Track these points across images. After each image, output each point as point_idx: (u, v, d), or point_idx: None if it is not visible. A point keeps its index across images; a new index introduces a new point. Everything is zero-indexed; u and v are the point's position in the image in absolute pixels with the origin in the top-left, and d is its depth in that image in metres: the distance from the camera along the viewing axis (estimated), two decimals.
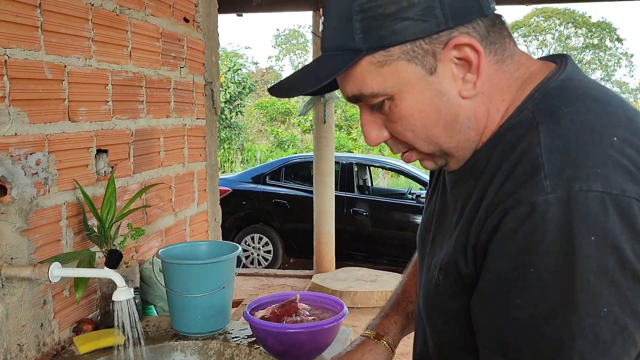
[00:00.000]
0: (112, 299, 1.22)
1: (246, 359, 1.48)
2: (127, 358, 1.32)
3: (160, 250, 1.58)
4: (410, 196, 6.74)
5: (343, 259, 6.02)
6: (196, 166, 2.34)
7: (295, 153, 12.97)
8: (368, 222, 6.50)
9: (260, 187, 6.88)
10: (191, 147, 2.29)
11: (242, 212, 6.81)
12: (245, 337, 1.55)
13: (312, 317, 1.40)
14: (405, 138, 0.75)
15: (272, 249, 6.74)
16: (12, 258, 1.30)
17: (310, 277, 5.46)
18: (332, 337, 1.38)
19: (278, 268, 6.57)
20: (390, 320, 1.08)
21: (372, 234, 6.47)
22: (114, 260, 1.22)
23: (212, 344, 1.52)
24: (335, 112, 5.08)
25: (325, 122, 5.32)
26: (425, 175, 6.93)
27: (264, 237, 6.76)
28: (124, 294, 1.23)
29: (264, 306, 1.48)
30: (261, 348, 1.46)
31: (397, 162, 7.63)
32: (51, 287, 1.45)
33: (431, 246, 0.86)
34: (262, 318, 1.39)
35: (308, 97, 5.37)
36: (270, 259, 6.70)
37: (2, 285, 1.28)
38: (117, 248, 1.65)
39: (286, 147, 17.59)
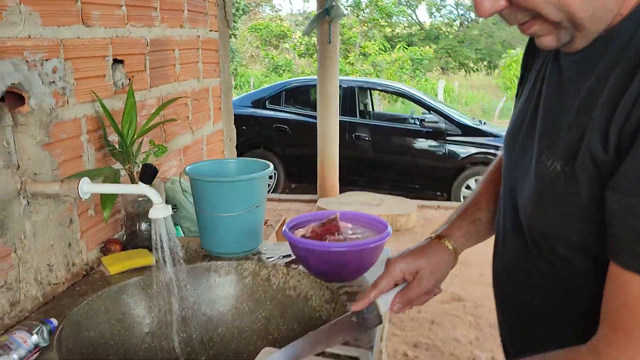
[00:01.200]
0: (149, 217, 1.14)
1: (283, 279, 1.42)
2: (164, 278, 1.25)
3: (187, 167, 1.49)
4: (412, 121, 6.63)
5: (345, 184, 5.97)
6: (211, 82, 2.21)
7: (291, 78, 12.67)
8: (370, 147, 6.41)
9: (260, 112, 6.72)
10: (205, 62, 2.15)
11: (242, 137, 6.66)
12: (281, 257, 1.48)
13: (356, 236, 1.33)
14: (531, 2, 0.64)
15: (273, 174, 6.68)
16: (35, 174, 1.20)
17: (314, 201, 5.43)
18: (377, 256, 1.31)
19: (280, 193, 6.52)
20: (455, 225, 1.01)
21: (375, 159, 6.40)
22: (149, 175, 1.12)
23: (247, 264, 1.46)
24: None
25: (330, 42, 5.10)
26: (428, 99, 6.79)
27: None
28: (161, 211, 1.14)
29: (303, 225, 1.40)
30: (300, 268, 1.40)
31: (401, 85, 7.46)
32: (76, 206, 1.36)
33: (539, 141, 0.76)
34: (303, 237, 1.32)
35: (313, 16, 5.13)
36: (271, 184, 6.64)
37: (28, 202, 1.18)
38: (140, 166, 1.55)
39: (281, 72, 17.19)
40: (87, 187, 1.14)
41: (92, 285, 1.32)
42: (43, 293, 1.24)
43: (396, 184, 6.38)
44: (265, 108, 6.70)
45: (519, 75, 0.92)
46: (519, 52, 12.59)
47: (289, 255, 1.48)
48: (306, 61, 17.93)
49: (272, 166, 1.51)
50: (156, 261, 1.20)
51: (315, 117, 6.25)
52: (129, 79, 1.59)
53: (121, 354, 1.30)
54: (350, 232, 1.34)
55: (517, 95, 0.90)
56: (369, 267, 1.32)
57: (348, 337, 0.98)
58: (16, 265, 1.16)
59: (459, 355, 2.86)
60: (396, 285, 0.98)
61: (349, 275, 1.31)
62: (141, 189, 1.13)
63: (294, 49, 17.89)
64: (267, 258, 1.48)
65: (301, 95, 7.05)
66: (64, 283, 1.32)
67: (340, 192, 5.66)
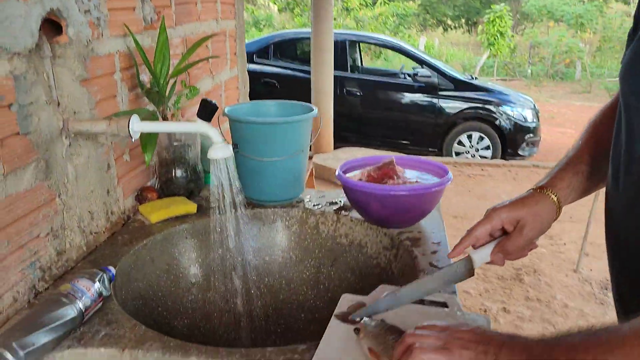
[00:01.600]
0: (209, 157, 1.05)
1: (333, 227, 1.35)
2: (218, 224, 1.17)
3: (227, 109, 1.39)
4: (402, 76, 6.53)
5: (336, 140, 5.88)
6: (228, 24, 2.08)
7: (272, 32, 12.32)
8: (362, 103, 6.31)
9: (247, 66, 6.51)
10: (223, 2, 2.01)
11: None
12: (327, 204, 1.41)
13: (415, 180, 1.26)
14: None
15: None
16: (74, 112, 1.10)
17: (310, 158, 5.34)
18: (437, 201, 1.25)
19: None
20: (557, 177, 0.95)
21: (366, 115, 6.31)
22: (208, 110, 1.02)
23: (293, 212, 1.38)
24: None
25: None
26: (421, 53, 6.68)
27: None
28: (222, 151, 1.05)
29: (356, 169, 1.32)
30: (351, 215, 1.33)
31: (393, 39, 7.32)
32: (113, 150, 1.25)
33: None
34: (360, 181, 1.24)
35: None
36: None
37: (70, 144, 1.08)
38: (172, 108, 1.45)
39: (262, 26, 16.76)
40: (138, 126, 1.04)
41: (134, 235, 1.24)
42: (86, 242, 1.15)
43: (387, 140, 6.32)
44: (252, 62, 6.51)
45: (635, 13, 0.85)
46: (502, 8, 12.46)
47: (335, 203, 1.41)
48: (286, 16, 17.50)
49: (316, 109, 1.42)
50: (211, 207, 1.12)
51: (304, 71, 6.11)
52: (157, 14, 1.46)
53: (169, 305, 1.23)
54: (408, 177, 1.27)
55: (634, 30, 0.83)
56: (428, 213, 1.26)
57: (441, 287, 0.92)
58: (61, 212, 1.07)
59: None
60: (492, 237, 0.93)
61: (408, 221, 1.25)
62: (199, 126, 1.04)
63: (274, 3, 17.42)
64: (314, 206, 1.40)
65: (290, 48, 6.87)
66: (104, 232, 1.23)
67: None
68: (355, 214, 1.33)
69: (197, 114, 1.03)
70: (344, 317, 0.91)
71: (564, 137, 7.55)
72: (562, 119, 8.94)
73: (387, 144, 6.24)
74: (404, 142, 6.27)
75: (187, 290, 1.29)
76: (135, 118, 1.04)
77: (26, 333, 0.78)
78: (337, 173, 1.26)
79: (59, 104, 1.05)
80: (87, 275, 0.92)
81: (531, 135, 5.96)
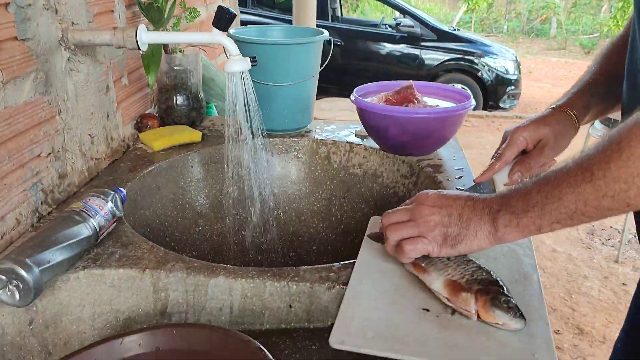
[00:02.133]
0: (225, 71, 0.96)
1: (346, 156, 1.29)
2: (231, 150, 1.09)
3: (232, 30, 1.29)
4: (383, 26, 6.40)
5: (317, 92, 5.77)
6: None
7: None
8: (343, 54, 6.17)
9: None
10: None
11: None
12: (336, 133, 1.34)
13: (436, 105, 1.20)
14: None
15: None
16: (72, 23, 0.99)
17: None
18: (458, 127, 1.19)
19: None
20: (575, 97, 0.93)
21: (347, 66, 6.19)
22: (224, 20, 0.93)
23: (303, 141, 1.31)
24: None
25: None
26: (402, 2, 6.54)
27: None
28: (239, 64, 0.97)
29: (372, 94, 1.25)
30: (365, 143, 1.27)
31: None
32: (111, 71, 1.16)
33: None
34: None
35: None
36: None
37: (69, 57, 0.98)
38: (171, 30, 1.34)
39: None
40: (147, 36, 0.95)
41: (137, 162, 1.16)
42: (88, 167, 1.07)
43: None
44: None
45: None
46: None
47: (346, 134, 1.35)
48: None
49: (327, 32, 1.34)
50: (225, 131, 1.05)
51: (285, 20, 5.93)
52: None
53: (176, 236, 1.17)
54: (426, 102, 1.21)
55: None
56: (448, 139, 1.21)
57: None
58: (61, 131, 0.98)
59: None
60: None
61: (428, 148, 1.20)
62: (215, 37, 0.95)
63: None
64: (324, 136, 1.34)
65: None
66: (105, 159, 1.14)
67: None
68: (369, 142, 1.27)
69: (213, 23, 0.94)
70: (378, 237, 0.86)
71: (542, 92, 7.57)
72: (540, 74, 8.96)
73: None
74: None
75: (194, 221, 1.22)
76: (142, 28, 0.95)
77: (40, 250, 0.71)
78: (353, 97, 1.19)
79: (56, 11, 0.94)
80: (99, 195, 0.84)
81: (512, 87, 5.94)
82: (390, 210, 0.77)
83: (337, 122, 1.43)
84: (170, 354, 0.64)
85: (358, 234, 1.26)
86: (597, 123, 2.89)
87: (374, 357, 0.69)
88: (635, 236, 2.92)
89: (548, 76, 8.82)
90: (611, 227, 3.13)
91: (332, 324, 0.76)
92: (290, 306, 0.77)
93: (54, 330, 0.76)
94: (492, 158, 0.92)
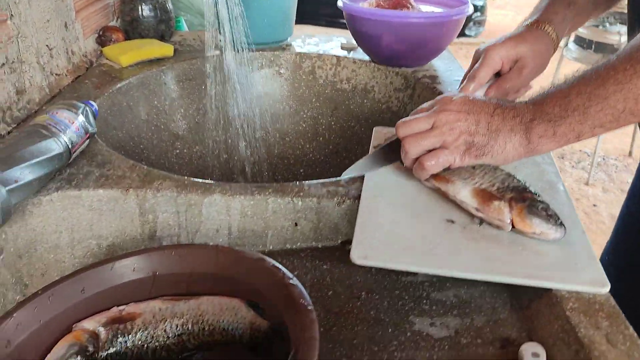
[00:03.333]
0: None
1: (332, 71, 1.19)
2: (214, 65, 0.98)
3: None
4: None
5: None
6: None
7: None
8: None
9: None
10: None
11: None
12: (320, 47, 1.24)
13: (431, 11, 1.10)
14: None
15: None
16: None
17: None
18: (454, 34, 1.11)
19: None
20: (549, 11, 0.82)
21: None
22: None
23: (285, 55, 1.20)
24: None
25: None
26: None
27: None
28: None
29: (360, 0, 1.14)
30: (352, 56, 1.17)
31: None
32: None
33: None
34: None
35: None
36: None
37: None
38: None
39: None
40: None
41: (103, 79, 1.03)
42: (48, 83, 0.94)
43: (332, 19, 6.01)
44: None
45: None
46: None
47: (331, 47, 1.24)
48: None
49: None
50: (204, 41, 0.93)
51: None
52: None
53: (152, 160, 1.07)
54: (421, 9, 1.11)
55: None
56: (444, 48, 1.12)
57: None
58: (15, 39, 0.84)
59: None
60: None
61: (422, 58, 1.11)
62: None
63: None
64: (307, 49, 1.23)
65: None
66: (66, 75, 1.01)
67: None
68: (358, 55, 1.18)
69: None
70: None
71: (506, 19, 7.48)
72: (503, 2, 8.84)
73: (332, 24, 5.94)
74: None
75: (171, 144, 1.11)
76: None
77: (4, 167, 0.60)
78: (341, 3, 1.08)
79: None
80: (67, 107, 0.73)
81: (478, 14, 5.83)
82: (406, 119, 0.68)
83: (321, 34, 1.32)
84: (169, 279, 0.56)
85: (348, 154, 1.19)
86: (571, 44, 2.84)
87: (390, 275, 0.63)
88: (604, 159, 2.95)
89: (511, 4, 8.72)
90: (580, 150, 3.16)
91: (343, 242, 0.70)
92: (296, 224, 0.70)
93: (28, 260, 0.66)
94: (463, 80, 0.82)
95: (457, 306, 0.59)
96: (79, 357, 0.50)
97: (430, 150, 0.65)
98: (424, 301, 0.60)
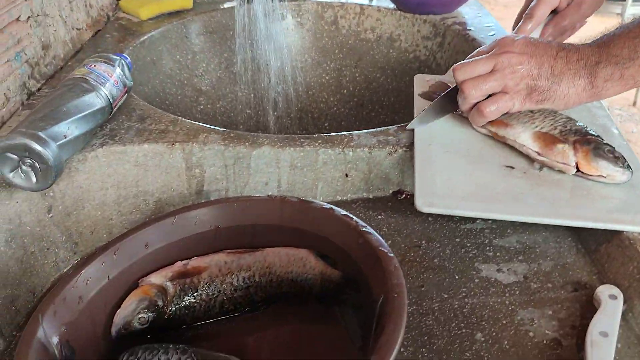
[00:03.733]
0: None
1: (356, 20, 1.16)
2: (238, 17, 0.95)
3: None
4: None
5: None
6: None
7: None
8: None
9: None
10: None
11: None
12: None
13: None
14: None
15: None
16: None
17: None
18: None
19: None
20: None
21: None
22: None
23: (306, 5, 1.17)
24: None
25: None
26: None
27: None
28: None
29: None
30: (376, 5, 1.14)
31: None
32: None
33: None
34: None
35: None
36: None
37: None
38: None
39: None
40: None
41: (124, 33, 1.00)
42: (70, 38, 0.91)
43: None
44: None
45: None
46: None
47: None
48: None
49: None
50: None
51: None
52: None
53: (179, 116, 1.04)
54: None
55: None
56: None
57: None
58: None
59: None
60: None
61: (451, 4, 1.08)
62: None
63: None
64: None
65: None
66: (86, 29, 0.98)
67: None
68: (382, 2, 1.14)
69: None
70: (430, 96, 0.76)
71: None
72: None
73: None
74: None
75: (195, 100, 1.09)
76: None
77: (52, 122, 0.58)
78: None
79: None
80: (104, 60, 0.70)
81: None
82: (464, 61, 0.66)
83: None
84: (232, 232, 0.55)
85: (374, 106, 1.17)
86: None
87: (449, 223, 0.62)
88: (608, 109, 2.94)
89: None
90: None
91: (394, 193, 0.69)
92: (347, 175, 0.69)
93: (76, 218, 0.65)
94: (518, 19, 0.78)
95: (522, 252, 0.58)
96: (149, 312, 0.49)
97: (489, 96, 0.64)
98: (487, 248, 0.59)
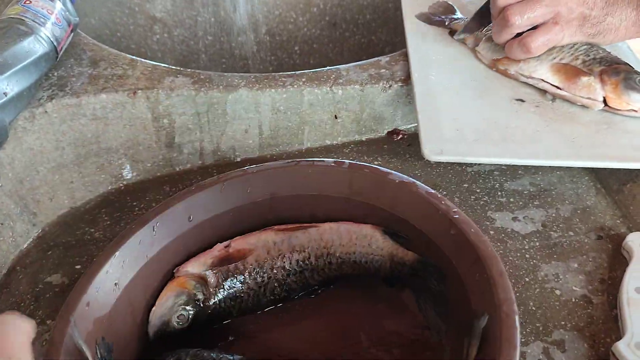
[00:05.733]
0: None
1: None
2: None
3: None
4: None
5: None
6: None
7: None
8: None
9: None
10: None
11: None
12: None
13: None
14: None
15: None
16: None
17: None
18: None
19: None
20: None
21: None
22: None
23: None
24: None
25: None
26: None
27: None
28: None
29: None
30: None
31: None
32: None
33: None
34: None
35: None
36: None
37: None
38: None
39: None
40: None
41: None
42: None
43: None
44: None
45: None
46: None
47: None
48: None
49: None
50: None
51: None
52: None
53: (132, 49, 0.93)
54: None
55: None
56: None
57: None
58: None
59: None
60: None
61: None
62: None
63: None
64: None
65: None
66: None
67: None
68: None
69: None
70: (429, 19, 0.68)
71: None
72: None
73: None
74: None
75: (149, 28, 0.97)
76: None
77: None
78: None
79: None
80: None
81: None
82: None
83: None
84: (289, 202, 0.46)
85: (348, 26, 1.07)
86: None
87: (454, 166, 0.57)
88: None
89: None
90: None
91: (389, 133, 0.62)
92: (336, 117, 0.61)
93: (30, 184, 0.56)
94: None
95: (537, 196, 0.53)
96: (188, 308, 0.42)
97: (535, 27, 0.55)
98: (499, 193, 0.54)
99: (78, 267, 0.53)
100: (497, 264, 0.36)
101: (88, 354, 0.35)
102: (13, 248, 0.55)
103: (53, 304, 0.50)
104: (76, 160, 0.59)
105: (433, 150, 0.50)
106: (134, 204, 0.59)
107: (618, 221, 0.50)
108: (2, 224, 0.54)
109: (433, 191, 0.42)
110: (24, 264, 0.54)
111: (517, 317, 0.33)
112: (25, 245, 0.55)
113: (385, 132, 0.63)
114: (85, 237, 0.56)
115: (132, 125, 0.59)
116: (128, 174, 0.61)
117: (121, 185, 0.61)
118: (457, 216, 0.40)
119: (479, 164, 0.56)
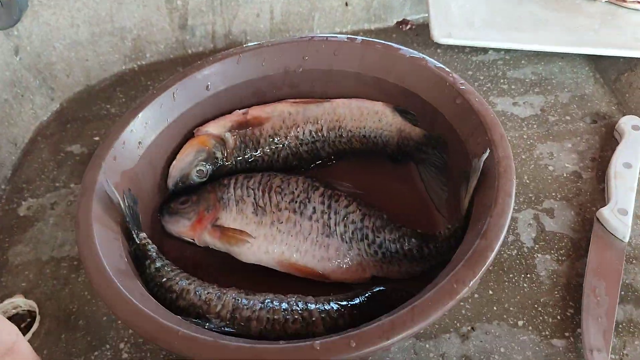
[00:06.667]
0: None
1: None
2: None
3: None
4: None
5: None
6: None
7: None
8: None
9: None
10: None
11: None
12: None
13: None
14: None
15: None
16: None
17: None
18: None
19: None
20: None
21: None
22: None
23: None
24: None
25: None
26: None
27: None
28: None
29: None
30: None
31: None
32: None
33: None
34: None
35: None
36: None
37: None
38: None
39: None
40: None
41: None
42: None
43: None
44: None
45: None
46: None
47: None
48: None
49: None
50: None
51: None
52: None
53: None
54: None
55: None
56: None
57: None
58: None
59: None
60: None
61: None
62: None
63: None
64: None
65: None
66: None
67: None
68: None
69: None
70: None
71: None
72: None
73: None
74: None
75: None
76: None
77: None
78: None
79: None
80: None
81: None
82: None
83: None
84: (302, 76, 0.48)
85: None
86: None
87: (459, 55, 0.58)
88: None
89: None
90: None
91: (398, 23, 0.63)
92: (347, 4, 0.62)
93: (47, 59, 0.58)
94: None
95: (538, 83, 0.55)
96: (207, 164, 0.45)
97: None
98: (502, 80, 0.56)
99: (96, 138, 0.56)
100: (498, 128, 0.39)
101: (119, 199, 0.38)
102: (34, 119, 0.57)
103: (75, 170, 0.53)
104: (91, 39, 0.60)
105: (442, 33, 0.52)
106: (148, 83, 0.61)
107: (613, 107, 0.53)
108: (22, 96, 0.56)
109: (441, 65, 0.44)
110: (45, 135, 0.56)
111: (513, 173, 0.36)
112: (45, 118, 0.58)
113: (395, 22, 0.64)
114: (102, 112, 0.58)
115: (146, 5, 0.60)
116: (142, 55, 0.63)
117: (135, 66, 0.63)
118: (463, 87, 0.42)
119: (484, 53, 0.58)
